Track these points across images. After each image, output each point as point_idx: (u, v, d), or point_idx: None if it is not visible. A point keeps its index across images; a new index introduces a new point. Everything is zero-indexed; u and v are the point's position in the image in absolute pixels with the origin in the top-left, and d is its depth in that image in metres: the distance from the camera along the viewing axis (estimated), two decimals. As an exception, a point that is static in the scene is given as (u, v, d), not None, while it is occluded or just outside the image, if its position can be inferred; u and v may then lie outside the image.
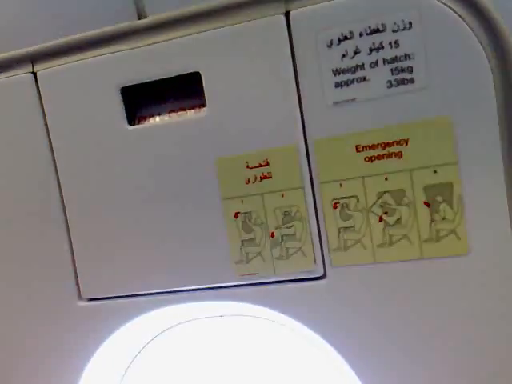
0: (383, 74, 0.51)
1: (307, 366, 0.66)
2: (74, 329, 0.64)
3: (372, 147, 0.53)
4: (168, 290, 0.61)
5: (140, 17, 0.57)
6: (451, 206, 0.52)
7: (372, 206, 0.54)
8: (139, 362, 0.72)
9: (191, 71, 0.55)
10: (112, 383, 0.71)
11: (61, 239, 0.63)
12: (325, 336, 0.58)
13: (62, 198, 0.62)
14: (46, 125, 0.61)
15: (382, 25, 0.50)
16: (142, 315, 0.62)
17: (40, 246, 0.64)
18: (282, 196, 0.56)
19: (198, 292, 0.61)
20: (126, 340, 0.66)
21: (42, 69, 0.60)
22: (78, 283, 0.64)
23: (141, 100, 0.59)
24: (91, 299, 0.64)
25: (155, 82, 0.57)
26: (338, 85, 0.52)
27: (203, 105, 0.57)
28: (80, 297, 0.64)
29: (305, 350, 0.65)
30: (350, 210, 0.55)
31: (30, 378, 0.67)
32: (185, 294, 0.61)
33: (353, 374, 0.58)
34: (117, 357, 0.69)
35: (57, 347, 0.65)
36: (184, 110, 0.58)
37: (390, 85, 0.51)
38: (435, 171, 0.51)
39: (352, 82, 0.52)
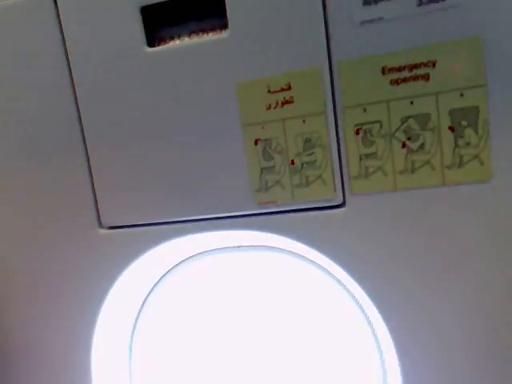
0: (413, -9, 0.49)
1: (324, 298, 0.66)
2: (95, 257, 0.64)
3: (398, 69, 0.51)
4: (187, 218, 0.61)
5: None
6: (476, 131, 0.51)
7: (395, 131, 0.53)
8: (158, 291, 0.72)
9: None
10: (132, 311, 0.73)
11: (80, 167, 0.63)
12: (342, 265, 0.58)
13: (80, 123, 0.62)
14: (64, 45, 0.60)
15: None
16: (161, 244, 0.62)
17: (59, 175, 0.64)
18: (304, 122, 0.56)
19: (217, 221, 0.61)
20: (145, 269, 0.67)
21: None
22: (98, 211, 0.64)
23: (161, 21, 0.58)
24: (111, 227, 0.64)
25: (175, 0, 0.55)
26: (366, 2, 0.50)
27: (225, 26, 0.55)
28: (100, 225, 0.64)
29: (321, 282, 0.66)
30: (372, 135, 0.54)
31: (52, 305, 0.68)
32: (203, 222, 0.61)
33: (370, 303, 0.58)
34: (136, 286, 0.69)
35: (78, 275, 0.65)
36: (205, 31, 0.56)
37: (420, 2, 0.49)
38: (462, 94, 0.51)
39: (380, -1, 0.50)
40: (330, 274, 0.65)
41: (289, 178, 0.57)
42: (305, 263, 0.66)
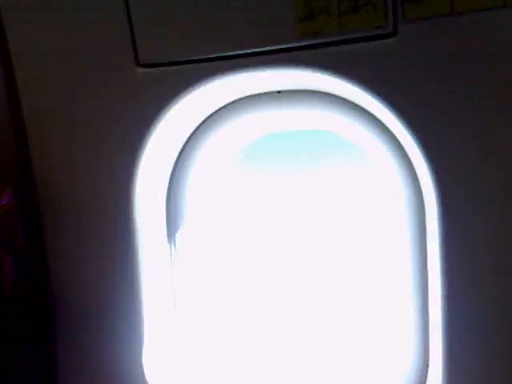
0: None
1: (367, 143, 0.64)
2: (134, 97, 0.61)
3: None
4: (227, 54, 0.58)
5: None
6: None
7: None
8: (198, 137, 0.69)
9: None
10: (170, 157, 0.70)
11: None
12: (389, 101, 0.55)
13: None
14: None
15: None
16: (201, 85, 0.60)
17: (94, 8, 0.62)
18: None
19: (257, 57, 0.57)
20: (184, 113, 0.64)
21: None
22: (135, 47, 0.60)
23: None
24: (150, 65, 0.61)
25: None
26: None
27: None
28: (138, 63, 0.61)
29: (363, 126, 0.63)
30: (432, -52, 0.49)
31: (93, 148, 0.66)
32: (243, 59, 0.58)
33: (414, 145, 0.56)
34: (176, 130, 0.67)
35: (117, 117, 0.63)
36: None
37: None
38: None
39: None
40: (370, 122, 0.62)
41: (337, 3, 0.54)
42: (346, 106, 0.63)
